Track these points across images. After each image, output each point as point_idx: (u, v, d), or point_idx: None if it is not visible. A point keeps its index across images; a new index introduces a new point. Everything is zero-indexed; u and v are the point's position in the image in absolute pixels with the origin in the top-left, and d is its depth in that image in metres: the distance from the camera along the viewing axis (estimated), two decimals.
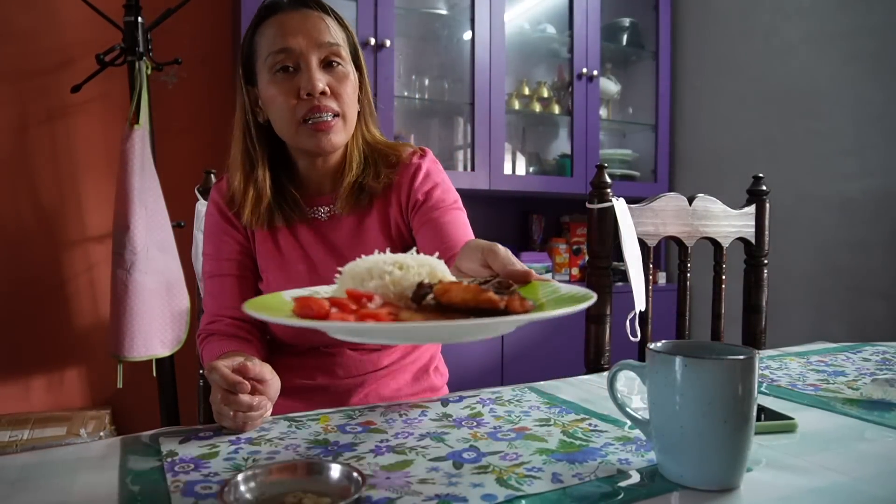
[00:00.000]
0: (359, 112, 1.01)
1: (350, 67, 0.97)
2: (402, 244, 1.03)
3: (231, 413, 0.69)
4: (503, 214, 2.81)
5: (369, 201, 1.01)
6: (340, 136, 0.96)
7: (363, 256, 0.61)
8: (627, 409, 0.64)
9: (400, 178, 1.02)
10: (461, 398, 0.84)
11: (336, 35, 0.96)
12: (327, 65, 0.94)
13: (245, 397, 0.69)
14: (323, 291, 0.65)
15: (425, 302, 0.54)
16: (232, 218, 1.02)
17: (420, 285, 0.55)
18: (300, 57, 0.92)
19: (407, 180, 1.02)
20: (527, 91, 2.64)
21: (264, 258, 1.02)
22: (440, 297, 0.52)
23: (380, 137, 1.06)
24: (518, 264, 0.64)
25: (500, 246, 0.67)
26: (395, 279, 0.57)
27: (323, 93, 0.92)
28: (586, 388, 0.91)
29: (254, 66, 0.98)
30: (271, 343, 1.05)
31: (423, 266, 0.59)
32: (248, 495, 0.48)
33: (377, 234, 1.01)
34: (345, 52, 0.96)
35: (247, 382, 0.70)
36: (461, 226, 0.99)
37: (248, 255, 1.03)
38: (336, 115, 0.94)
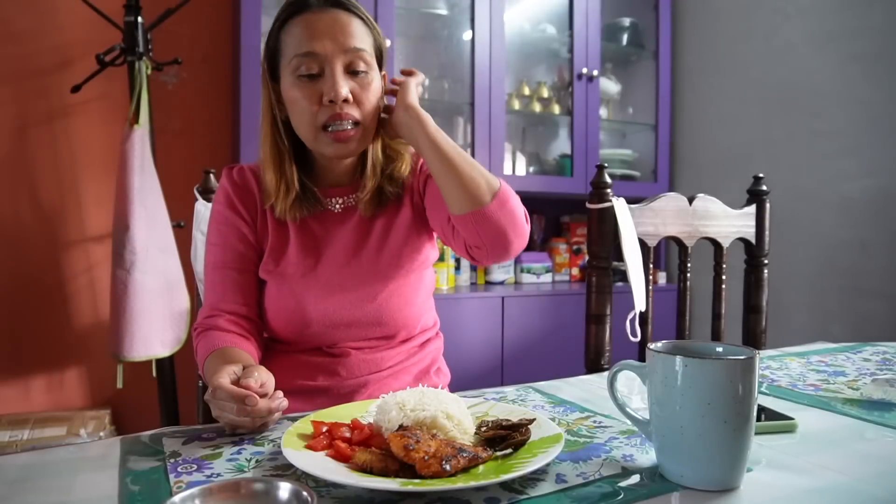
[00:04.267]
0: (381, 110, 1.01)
1: (374, 74, 0.97)
2: (415, 243, 1.04)
3: (250, 421, 0.69)
4: None
5: (387, 203, 1.03)
6: (357, 144, 0.96)
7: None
8: (627, 410, 0.64)
9: (415, 174, 1.06)
10: (464, 398, 0.84)
11: (363, 39, 0.95)
12: (351, 71, 0.94)
13: (262, 404, 0.69)
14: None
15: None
16: (239, 208, 1.02)
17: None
18: (325, 62, 0.92)
19: (416, 176, 1.06)
20: (527, 91, 2.64)
21: (272, 251, 1.02)
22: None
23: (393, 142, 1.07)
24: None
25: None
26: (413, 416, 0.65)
27: (346, 100, 0.92)
28: (586, 388, 0.91)
29: (277, 64, 0.97)
30: (272, 341, 1.05)
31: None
32: None
33: (385, 235, 1.03)
34: (370, 56, 0.96)
35: (254, 395, 0.68)
36: None
37: (253, 248, 1.02)
38: (357, 123, 0.94)
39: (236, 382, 0.71)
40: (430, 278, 1.10)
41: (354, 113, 0.94)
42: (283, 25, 0.96)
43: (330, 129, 0.93)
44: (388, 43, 2.15)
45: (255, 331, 1.00)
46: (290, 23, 0.95)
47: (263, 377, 0.74)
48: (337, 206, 1.03)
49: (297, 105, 0.94)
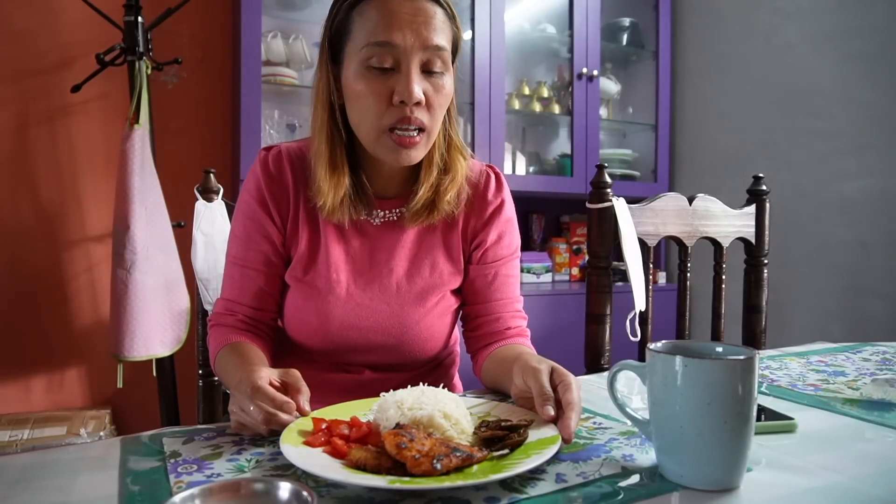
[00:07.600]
0: (447, 110, 0.93)
1: (449, 76, 0.88)
2: (451, 270, 0.98)
3: (265, 429, 0.67)
4: None
5: (434, 220, 0.95)
6: (420, 151, 0.88)
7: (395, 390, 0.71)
8: (627, 410, 0.64)
9: (473, 204, 0.98)
10: (467, 398, 0.84)
11: (444, 34, 0.85)
12: (427, 70, 0.85)
13: (288, 417, 0.66)
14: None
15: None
16: (269, 205, 0.93)
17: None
18: (401, 55, 0.83)
19: (482, 210, 0.99)
20: (527, 91, 2.64)
21: (301, 258, 0.94)
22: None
23: (457, 139, 0.98)
24: (549, 410, 0.67)
25: (543, 372, 0.73)
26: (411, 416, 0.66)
27: (418, 102, 0.84)
28: (586, 389, 0.90)
29: (342, 46, 0.88)
30: (288, 354, 1.01)
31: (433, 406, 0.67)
32: None
33: (424, 258, 0.96)
34: (448, 55, 0.87)
35: (293, 402, 0.67)
36: (511, 281, 1.01)
37: (277, 251, 0.95)
38: (422, 130, 0.86)
39: (276, 386, 0.70)
40: (457, 300, 1.02)
41: (423, 118, 0.85)
42: (357, 4, 0.85)
43: (395, 132, 0.84)
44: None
45: (270, 332, 0.98)
46: (365, 2, 0.84)
47: (300, 384, 0.72)
48: (377, 218, 0.95)
49: (361, 100, 0.85)
